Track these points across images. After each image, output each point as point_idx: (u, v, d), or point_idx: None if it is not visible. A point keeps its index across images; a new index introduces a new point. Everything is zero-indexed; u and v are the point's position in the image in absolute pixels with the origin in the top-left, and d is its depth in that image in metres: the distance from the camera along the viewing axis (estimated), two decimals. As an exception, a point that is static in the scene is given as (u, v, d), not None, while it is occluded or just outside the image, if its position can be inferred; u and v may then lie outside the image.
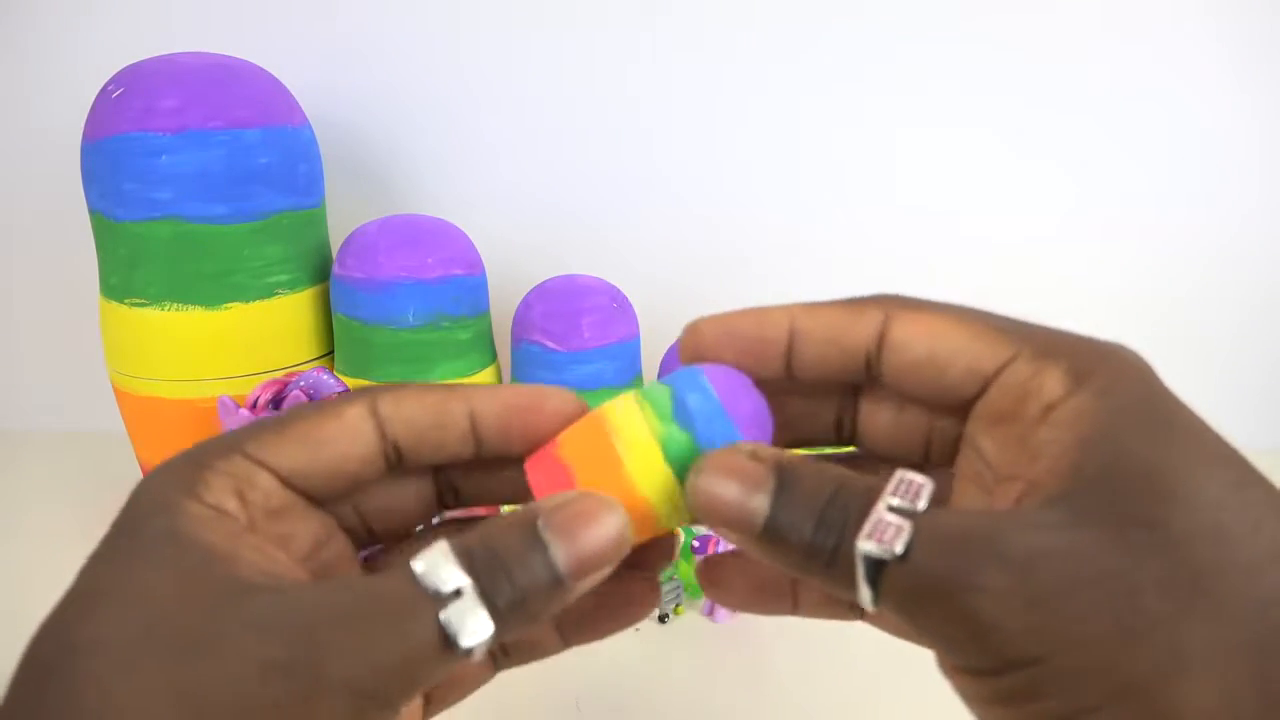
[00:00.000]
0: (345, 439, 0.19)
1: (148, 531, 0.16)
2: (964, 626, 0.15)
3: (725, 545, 0.45)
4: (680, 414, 0.19)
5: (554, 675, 0.42)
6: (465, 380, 0.52)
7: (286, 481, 0.19)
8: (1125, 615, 0.14)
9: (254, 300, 0.50)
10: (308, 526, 0.19)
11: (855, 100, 0.61)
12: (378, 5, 0.61)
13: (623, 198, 0.64)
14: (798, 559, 0.17)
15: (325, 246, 0.55)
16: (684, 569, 0.47)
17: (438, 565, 0.16)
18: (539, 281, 0.53)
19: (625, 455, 0.19)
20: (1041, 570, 0.15)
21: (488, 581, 0.16)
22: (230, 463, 0.18)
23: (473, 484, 0.22)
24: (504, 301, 0.57)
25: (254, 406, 0.45)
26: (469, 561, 0.16)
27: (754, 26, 0.60)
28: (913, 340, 0.19)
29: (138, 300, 0.49)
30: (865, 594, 0.16)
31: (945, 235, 0.63)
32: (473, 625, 0.16)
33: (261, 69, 0.51)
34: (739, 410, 0.19)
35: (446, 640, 0.16)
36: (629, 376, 0.52)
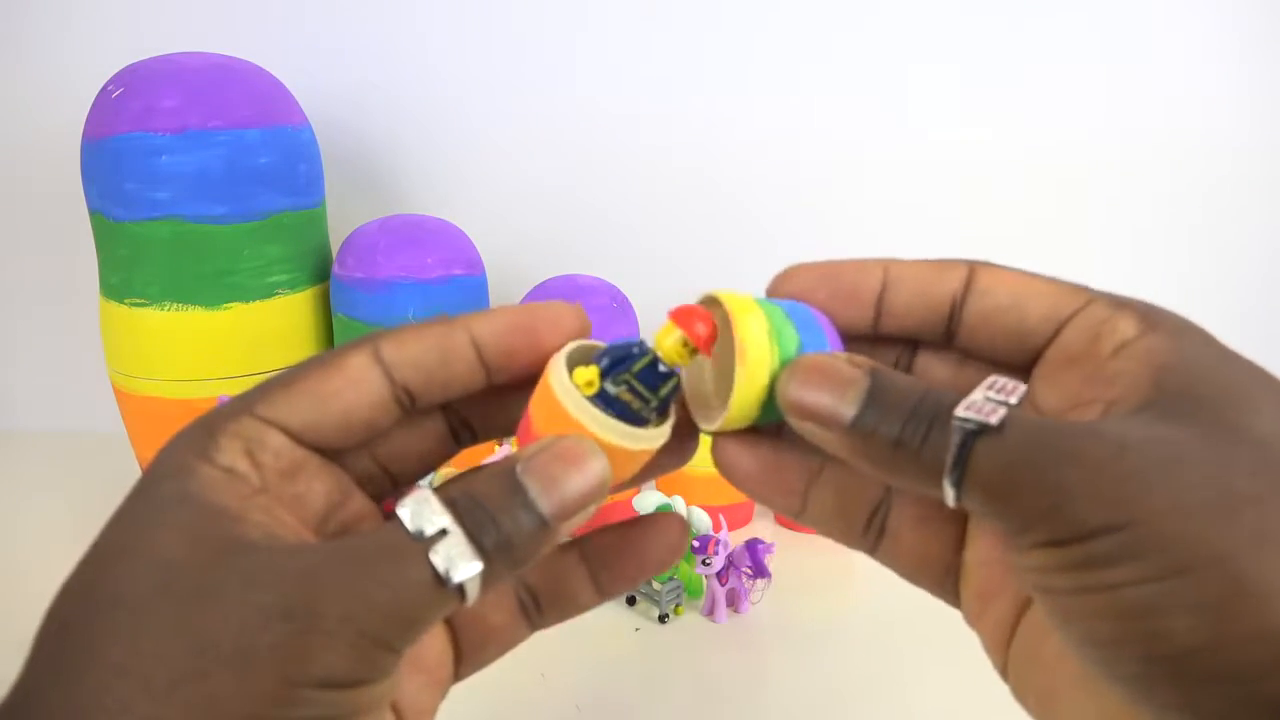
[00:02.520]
0: (352, 390, 0.19)
1: (161, 494, 0.17)
2: (1050, 497, 0.16)
3: (723, 545, 0.45)
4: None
5: (554, 675, 0.42)
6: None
7: (299, 438, 0.19)
8: (1217, 492, 0.15)
9: (254, 300, 0.50)
10: (322, 484, 0.20)
11: (855, 93, 0.61)
12: (378, 5, 0.61)
13: (623, 198, 0.64)
14: (885, 451, 0.18)
15: (325, 246, 0.55)
16: (684, 569, 0.47)
17: (423, 507, 0.17)
18: (539, 281, 0.53)
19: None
20: (1134, 450, 0.16)
21: (472, 524, 0.17)
22: (240, 424, 0.18)
23: (485, 418, 0.22)
24: (504, 301, 0.57)
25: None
26: (451, 506, 0.17)
27: (753, 25, 0.60)
28: (997, 287, 0.20)
29: (138, 300, 0.49)
30: (949, 485, 0.17)
31: (954, 223, 0.63)
32: (461, 563, 0.16)
33: (261, 69, 0.51)
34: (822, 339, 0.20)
35: (439, 579, 0.16)
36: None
